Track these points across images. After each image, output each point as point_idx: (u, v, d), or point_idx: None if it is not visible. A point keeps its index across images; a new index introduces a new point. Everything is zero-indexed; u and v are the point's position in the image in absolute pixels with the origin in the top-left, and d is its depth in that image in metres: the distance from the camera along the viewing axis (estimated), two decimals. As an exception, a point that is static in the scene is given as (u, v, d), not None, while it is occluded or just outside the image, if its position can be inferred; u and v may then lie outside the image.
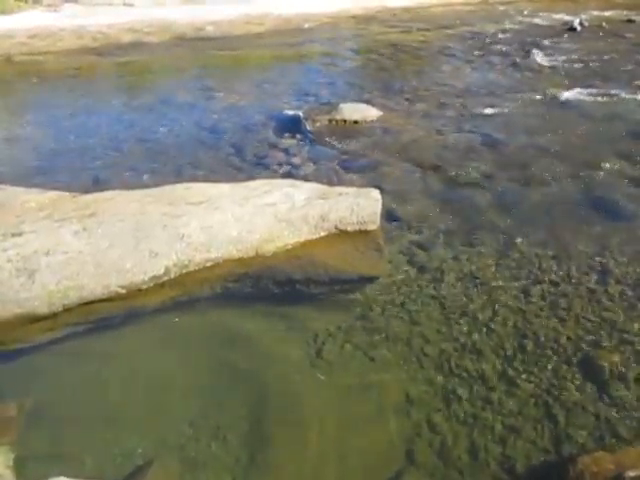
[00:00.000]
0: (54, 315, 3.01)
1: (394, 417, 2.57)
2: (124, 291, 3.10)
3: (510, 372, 2.80)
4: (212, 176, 4.44)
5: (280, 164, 4.88)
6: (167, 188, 3.71)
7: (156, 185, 3.87)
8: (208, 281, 3.29)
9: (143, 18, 11.44)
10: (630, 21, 11.16)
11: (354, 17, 12.30)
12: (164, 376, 2.80)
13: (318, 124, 5.70)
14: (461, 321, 3.12)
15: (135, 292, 3.14)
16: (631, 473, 1.91)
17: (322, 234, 3.60)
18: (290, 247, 3.50)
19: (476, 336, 3.02)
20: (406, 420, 2.56)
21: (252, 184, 3.73)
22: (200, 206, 3.44)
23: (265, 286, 3.31)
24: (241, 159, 5.02)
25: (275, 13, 12.19)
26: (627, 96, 6.69)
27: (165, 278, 3.20)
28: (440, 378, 2.78)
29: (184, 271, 3.25)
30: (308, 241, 3.56)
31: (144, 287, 3.15)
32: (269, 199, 3.52)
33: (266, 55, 9.45)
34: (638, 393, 2.67)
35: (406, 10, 12.79)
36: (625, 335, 3.01)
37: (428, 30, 10.66)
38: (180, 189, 3.68)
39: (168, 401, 2.67)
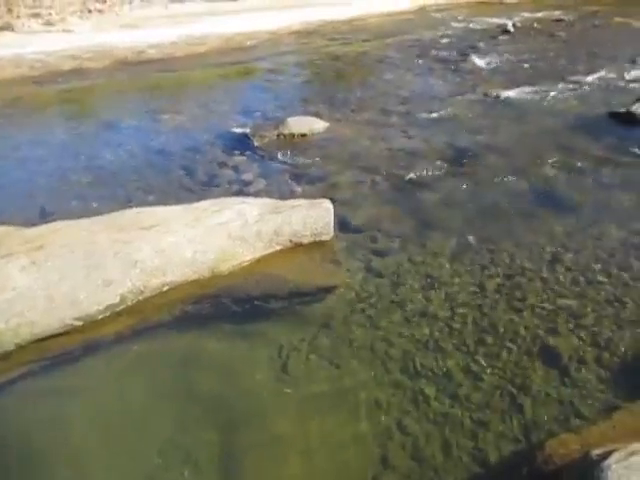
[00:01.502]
0: (6, 355, 2.90)
1: (365, 423, 2.57)
2: (80, 323, 3.01)
3: (474, 367, 2.85)
4: (163, 199, 4.38)
5: (231, 182, 4.86)
6: (117, 214, 3.64)
7: (105, 212, 3.79)
8: (166, 305, 3.23)
9: (83, 44, 11.24)
10: (559, 20, 11.67)
11: (295, 32, 12.41)
12: (128, 407, 2.72)
13: (266, 140, 5.70)
14: (422, 322, 3.16)
15: (91, 323, 3.05)
16: (596, 451, 1.96)
17: (277, 248, 3.60)
18: (246, 264, 3.48)
19: (438, 335, 3.06)
20: (377, 425, 2.57)
21: (203, 204, 3.70)
22: (152, 230, 3.38)
23: (224, 306, 3.27)
24: (191, 180, 4.97)
25: (216, 33, 12.18)
26: (561, 91, 6.97)
27: (121, 306, 3.13)
28: (407, 380, 2.79)
29: (140, 297, 3.18)
30: (264, 257, 3.55)
31: (100, 317, 3.07)
32: (221, 218, 3.49)
33: (210, 75, 9.43)
34: (596, 373, 2.76)
35: (345, 22, 12.99)
36: (579, 319, 3.11)
37: (368, 40, 10.86)
38: (130, 214, 3.62)
39: (134, 432, 2.59)
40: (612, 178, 4.71)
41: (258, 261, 3.53)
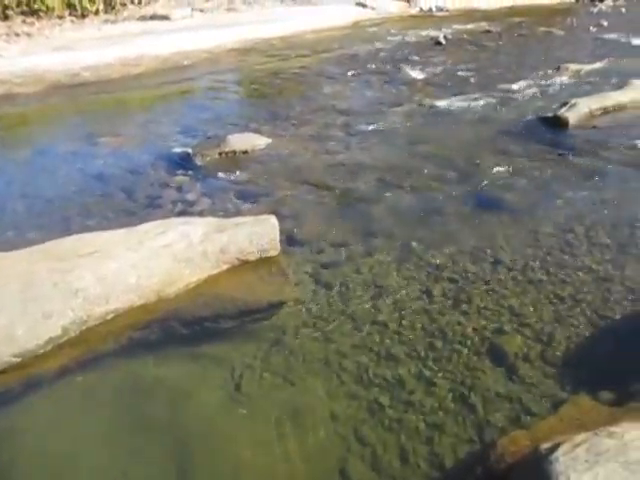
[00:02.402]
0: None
1: (323, 437, 2.56)
2: (18, 360, 2.87)
3: (426, 372, 2.89)
4: (103, 224, 4.26)
5: (174, 203, 4.78)
6: (55, 242, 3.51)
7: (43, 241, 3.64)
8: (112, 334, 3.13)
9: (12, 68, 10.83)
10: (487, 32, 12.16)
11: (233, 50, 12.40)
12: (77, 443, 2.61)
13: (208, 158, 5.65)
14: (373, 331, 3.19)
15: (32, 359, 2.92)
16: (545, 445, 2.02)
17: (224, 267, 3.56)
18: (193, 286, 3.42)
19: (389, 343, 3.09)
20: (335, 438, 2.56)
21: (145, 227, 3.62)
22: (93, 256, 3.28)
23: (173, 329, 3.20)
24: (133, 203, 4.86)
25: (152, 53, 12.01)
26: (493, 98, 7.25)
27: (64, 338, 3.01)
28: (361, 390, 2.81)
29: (84, 327, 3.08)
30: (211, 277, 3.51)
31: (41, 352, 2.94)
32: (164, 240, 3.42)
33: (147, 96, 9.28)
34: (542, 369, 2.85)
35: (283, 39, 13.08)
36: (522, 318, 3.22)
37: (306, 56, 10.98)
38: (69, 242, 3.50)
39: (86, 470, 2.48)
40: (545, 180, 4.92)
41: (205, 281, 3.48)
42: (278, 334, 3.20)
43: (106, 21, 13.86)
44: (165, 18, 13.96)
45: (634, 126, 6.09)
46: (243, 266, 3.66)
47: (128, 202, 4.89)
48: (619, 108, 6.55)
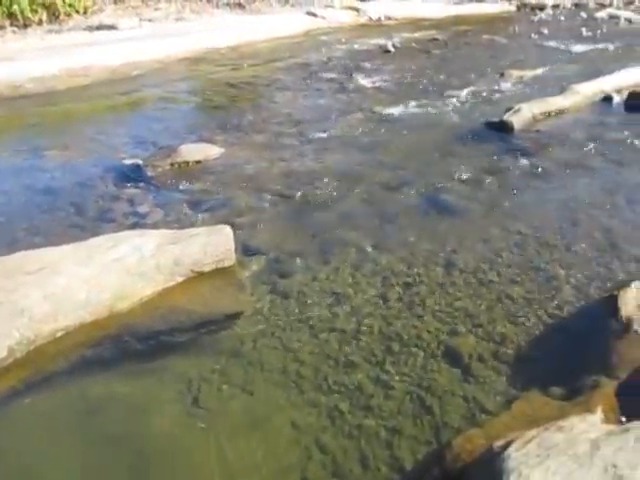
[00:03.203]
0: None
1: (283, 447, 2.55)
2: (-39, 385, 2.75)
3: (384, 376, 2.92)
4: (51, 240, 4.11)
5: (125, 216, 4.68)
6: (-1, 261, 3.39)
7: (-14, 260, 3.51)
8: (62, 353, 3.03)
9: (-51, 82, 10.41)
10: (435, 40, 12.44)
11: (184, 60, 12.26)
12: (31, 468, 2.51)
13: (160, 169, 5.57)
14: (331, 338, 3.20)
15: (-24, 383, 2.81)
16: (498, 442, 2.07)
17: (179, 280, 3.51)
18: (147, 299, 3.36)
19: (347, 349, 3.11)
20: (295, 447, 2.55)
21: (95, 241, 3.53)
22: (40, 274, 3.18)
23: (127, 345, 3.13)
24: (82, 217, 4.73)
25: (100, 64, 11.75)
26: (441, 105, 7.43)
27: (10, 360, 2.90)
28: (321, 397, 2.81)
29: (32, 347, 2.97)
30: (165, 290, 3.45)
31: (-14, 375, 2.83)
32: (116, 254, 3.35)
33: (97, 107, 9.07)
34: (495, 368, 2.93)
35: (234, 48, 13.03)
36: (475, 318, 3.30)
37: (258, 65, 10.97)
38: (14, 259, 3.38)
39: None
40: (493, 182, 5.06)
41: (159, 295, 3.42)
42: (236, 345, 3.17)
43: (50, 31, 13.49)
44: (112, 28, 13.71)
45: (575, 129, 6.34)
46: (198, 277, 3.62)
47: (77, 217, 4.76)
48: (561, 112, 6.82)
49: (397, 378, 2.90)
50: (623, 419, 2.30)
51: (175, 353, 3.12)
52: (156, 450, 2.55)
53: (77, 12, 14.40)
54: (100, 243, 3.50)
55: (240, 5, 16.39)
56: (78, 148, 6.71)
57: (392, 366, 2.98)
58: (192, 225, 4.22)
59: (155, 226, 4.23)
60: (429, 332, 3.20)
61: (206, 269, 3.62)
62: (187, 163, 5.70)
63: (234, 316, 3.38)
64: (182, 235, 3.66)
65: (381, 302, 3.48)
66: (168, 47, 12.87)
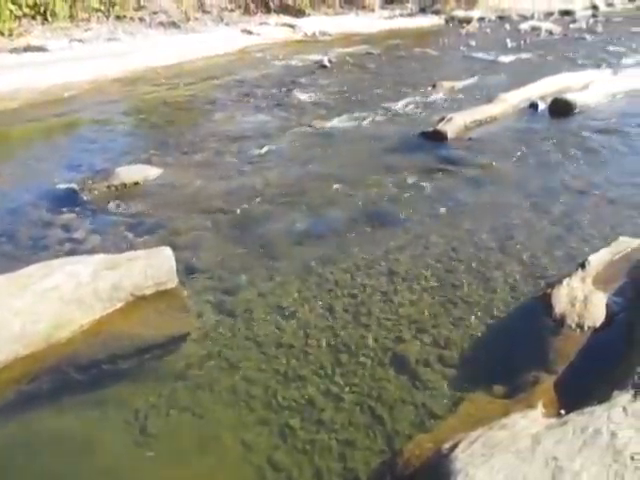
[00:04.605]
0: None
1: (236, 469, 2.51)
2: None
3: (333, 388, 2.93)
4: (-19, 272, 3.93)
5: (60, 243, 4.51)
6: None
7: None
8: (-4, 390, 2.89)
9: None
10: (369, 54, 12.74)
11: (117, 80, 12.02)
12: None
13: (96, 193, 5.41)
14: (279, 354, 3.19)
15: None
16: (446, 445, 2.11)
17: (119, 305, 3.41)
18: (86, 328, 3.24)
19: (295, 364, 3.10)
20: (248, 467, 2.52)
21: (29, 270, 3.38)
22: (-31, 308, 3.02)
23: (66, 377, 3.01)
24: (14, 246, 4.53)
25: (29, 86, 11.35)
26: (377, 117, 7.59)
27: (-61, 401, 2.73)
28: (272, 415, 2.79)
29: (-38, 386, 2.81)
30: (104, 316, 3.34)
31: None
32: (51, 282, 3.22)
33: (27, 131, 8.75)
34: (441, 372, 2.99)
35: (170, 67, 12.89)
36: (419, 324, 3.37)
37: (194, 83, 10.88)
38: (-60, 295, 3.19)
39: None
40: (429, 190, 5.21)
41: (99, 322, 3.31)
42: (182, 368, 3.11)
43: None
44: (41, 49, 13.29)
45: (504, 136, 6.63)
46: (140, 302, 3.52)
47: (8, 246, 4.55)
48: (491, 120, 7.11)
49: (347, 389, 2.92)
50: (562, 412, 2.39)
51: (119, 381, 3.02)
52: (102, 484, 2.46)
53: (2, 34, 13.89)
54: (34, 272, 3.36)
55: (174, 24, 16.25)
56: (7, 174, 6.44)
57: (341, 378, 3.00)
58: (131, 248, 4.11)
59: (92, 251, 4.09)
60: (376, 341, 3.24)
61: (147, 292, 3.54)
62: (124, 185, 5.56)
63: (179, 338, 3.32)
64: (120, 259, 3.57)
65: (327, 314, 3.50)
66: (101, 68, 12.58)
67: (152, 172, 5.84)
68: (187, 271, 3.95)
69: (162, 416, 2.81)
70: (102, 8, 15.55)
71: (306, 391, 2.92)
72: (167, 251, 3.71)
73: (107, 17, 15.61)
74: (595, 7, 19.29)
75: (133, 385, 3.01)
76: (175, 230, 4.63)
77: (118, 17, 15.75)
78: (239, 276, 3.92)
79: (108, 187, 5.51)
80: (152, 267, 3.55)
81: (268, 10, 17.46)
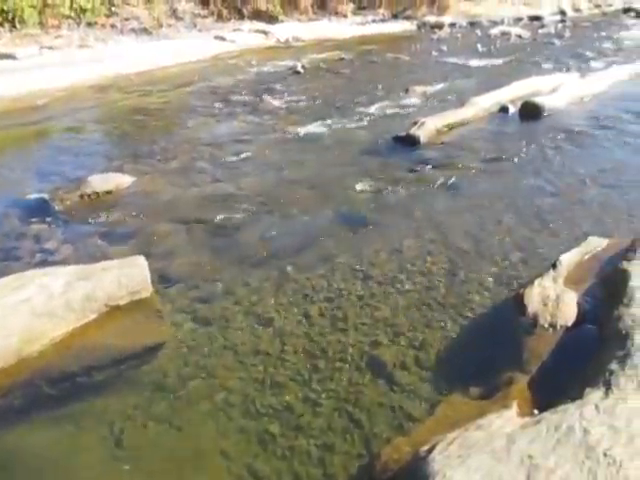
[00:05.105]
0: None
1: (215, 479, 2.49)
2: None
3: (311, 394, 2.93)
4: (-51, 286, 3.83)
5: (32, 254, 4.42)
6: None
7: None
8: (-34, 406, 2.82)
9: None
10: (341, 59, 12.80)
11: (90, 88, 11.87)
12: None
13: (68, 202, 5.33)
14: (256, 361, 3.17)
15: None
16: (423, 448, 2.12)
17: (92, 316, 3.36)
18: (59, 340, 3.18)
19: (273, 371, 3.10)
20: (227, 476, 2.50)
21: (-1, 282, 3.33)
22: (-64, 323, 2.95)
23: (39, 391, 2.95)
24: (-16, 258, 4.44)
25: (-3, 94, 11.15)
26: (351, 122, 7.63)
27: None
28: (251, 423, 2.78)
29: None
30: (78, 328, 3.29)
31: None
32: (21, 295, 3.15)
33: (-4, 140, 8.58)
34: (417, 374, 3.01)
35: (143, 74, 12.78)
36: (395, 327, 3.39)
37: (168, 90, 10.80)
38: None
39: None
40: (403, 194, 5.24)
41: (72, 334, 3.25)
42: (159, 378, 3.08)
43: None
44: (10, 57, 13.06)
45: (476, 139, 6.72)
46: (114, 312, 3.48)
47: (-22, 258, 4.45)
48: (462, 123, 7.20)
49: (325, 395, 2.92)
50: (536, 411, 2.43)
51: (93, 394, 2.97)
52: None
53: (-32, 42, 13.62)
54: (4, 284, 3.29)
55: (146, 31, 16.11)
56: (-23, 185, 6.31)
57: (319, 383, 3.00)
58: (105, 258, 4.05)
59: (64, 262, 4.03)
60: (353, 345, 3.25)
61: (122, 302, 3.50)
62: (97, 194, 5.49)
63: (155, 348, 3.28)
64: (93, 269, 3.52)
65: (304, 320, 3.50)
66: (73, 75, 12.41)
67: (125, 180, 5.77)
68: (162, 280, 3.92)
69: (139, 428, 2.77)
70: (72, 15, 15.34)
71: (284, 397, 2.91)
72: (141, 260, 3.67)
73: (78, 24, 15.41)
74: (563, 12, 19.70)
75: (108, 397, 2.96)
76: (149, 238, 4.58)
77: (89, 24, 15.55)
78: (215, 284, 3.90)
79: (80, 196, 5.43)
80: (126, 276, 3.51)
81: (241, 16, 17.42)
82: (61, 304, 3.22)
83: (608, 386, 2.29)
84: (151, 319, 3.51)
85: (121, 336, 3.29)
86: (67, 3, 15.11)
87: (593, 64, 10.81)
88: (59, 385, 3.00)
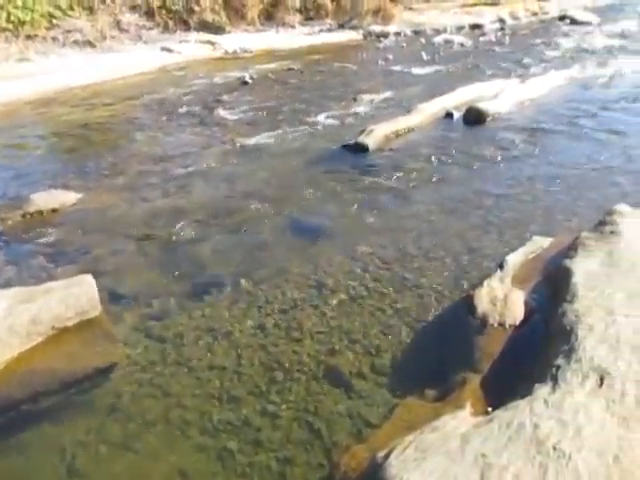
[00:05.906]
0: None
1: (174, 500, 2.44)
2: None
3: (270, 407, 2.91)
4: None
5: (-29, 277, 4.25)
6: None
7: None
8: None
9: None
10: (290, 69, 12.84)
11: (30, 102, 11.50)
12: None
13: (10, 222, 5.13)
14: (212, 376, 3.13)
15: None
16: (380, 453, 2.13)
17: (39, 339, 3.23)
18: (3, 366, 3.05)
19: (229, 385, 3.06)
20: (187, 498, 2.45)
21: None
22: None
23: (-17, 421, 2.83)
24: None
25: None
26: (300, 131, 7.65)
27: None
28: (208, 440, 2.74)
29: None
30: (24, 352, 3.16)
31: None
32: (-40, 321, 3.02)
33: None
34: (374, 380, 3.05)
35: (87, 87, 12.48)
36: (351, 335, 3.41)
37: (114, 104, 10.57)
38: None
39: None
40: (353, 202, 5.28)
41: (17, 359, 3.12)
42: (112, 400, 3.00)
43: None
44: (-58, 72, 12.52)
45: (423, 145, 6.85)
46: (61, 334, 3.36)
47: None
48: (409, 130, 7.34)
49: (283, 407, 2.91)
50: (489, 409, 2.48)
51: (43, 421, 2.87)
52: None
53: None
54: (-59, 312, 3.14)
55: (90, 43, 15.74)
56: None
57: (277, 395, 2.98)
58: (51, 279, 3.92)
59: (7, 285, 3.87)
60: (309, 355, 3.25)
61: (70, 324, 3.38)
62: (41, 213, 5.31)
63: (107, 369, 3.19)
64: (38, 291, 3.39)
65: (259, 332, 3.47)
66: (12, 90, 12.00)
67: (71, 197, 5.61)
68: (112, 298, 3.82)
69: (91, 453, 2.70)
70: (10, 27, 14.83)
71: (242, 412, 2.89)
72: (88, 279, 3.57)
73: (16, 36, 14.90)
74: (502, 20, 20.36)
75: (58, 424, 2.86)
76: (97, 257, 4.46)
77: (29, 36, 15.06)
78: (167, 300, 3.83)
79: (23, 215, 5.24)
80: (73, 297, 3.40)
81: (187, 27, 17.24)
82: (4, 328, 3.09)
83: (555, 381, 2.36)
84: (101, 339, 3.41)
85: (70, 359, 3.18)
86: (3, 15, 14.60)
87: (532, 69, 11.21)
88: (5, 414, 2.88)
